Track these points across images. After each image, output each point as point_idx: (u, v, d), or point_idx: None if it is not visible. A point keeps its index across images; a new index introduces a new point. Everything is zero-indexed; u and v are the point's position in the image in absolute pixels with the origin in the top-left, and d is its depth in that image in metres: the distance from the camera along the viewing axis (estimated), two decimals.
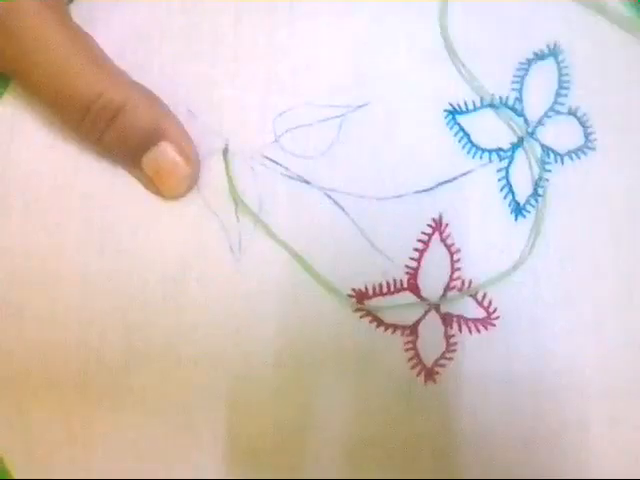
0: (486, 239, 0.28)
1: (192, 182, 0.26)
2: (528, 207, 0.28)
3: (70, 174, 0.26)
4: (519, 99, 0.29)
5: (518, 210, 0.28)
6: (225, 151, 0.26)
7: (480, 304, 0.28)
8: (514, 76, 0.29)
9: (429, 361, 0.27)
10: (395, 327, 0.27)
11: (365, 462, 0.27)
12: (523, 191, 0.28)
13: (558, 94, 0.29)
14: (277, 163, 0.26)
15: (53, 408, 0.25)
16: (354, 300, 0.27)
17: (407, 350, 0.27)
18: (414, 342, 0.27)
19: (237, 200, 0.26)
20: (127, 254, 0.26)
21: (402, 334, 0.27)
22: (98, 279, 0.26)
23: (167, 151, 0.25)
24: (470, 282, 0.27)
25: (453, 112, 0.28)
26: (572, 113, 0.29)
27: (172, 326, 0.26)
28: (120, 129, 0.24)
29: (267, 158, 0.26)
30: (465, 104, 0.28)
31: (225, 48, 0.27)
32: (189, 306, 0.26)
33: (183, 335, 0.26)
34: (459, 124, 0.28)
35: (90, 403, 0.25)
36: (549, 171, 0.28)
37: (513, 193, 0.28)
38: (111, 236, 0.26)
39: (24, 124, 0.26)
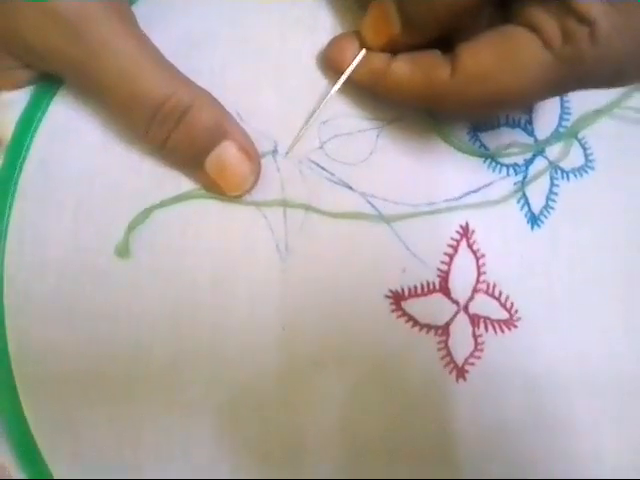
0: (507, 245, 0.30)
1: (255, 179, 0.26)
2: (542, 218, 0.31)
3: (120, 173, 0.26)
4: (529, 122, 0.32)
5: (534, 220, 0.31)
6: (274, 153, 0.27)
7: (503, 306, 0.29)
8: None
9: (460, 360, 0.29)
10: (429, 327, 0.28)
11: (400, 456, 0.28)
12: (537, 203, 0.31)
13: (561, 118, 0.32)
14: (323, 168, 0.28)
15: (101, 408, 0.25)
16: (391, 300, 0.28)
17: (440, 349, 0.28)
18: (446, 341, 0.28)
19: (286, 200, 0.27)
20: (176, 253, 0.26)
21: (435, 334, 0.28)
22: (147, 276, 0.26)
23: (230, 150, 0.25)
24: (494, 285, 0.29)
25: (475, 129, 0.31)
26: (574, 136, 0.32)
27: (220, 325, 0.26)
28: (187, 128, 0.25)
29: (314, 162, 0.28)
30: (485, 123, 0.31)
31: (270, 58, 0.28)
32: (236, 305, 0.26)
33: (230, 334, 0.26)
34: (480, 140, 0.30)
35: (138, 403, 0.25)
36: (557, 186, 0.31)
37: (529, 204, 0.31)
38: (160, 234, 0.26)
39: (77, 124, 0.26)
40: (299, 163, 0.27)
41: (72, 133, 0.26)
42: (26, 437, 0.24)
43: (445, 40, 0.25)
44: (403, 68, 0.25)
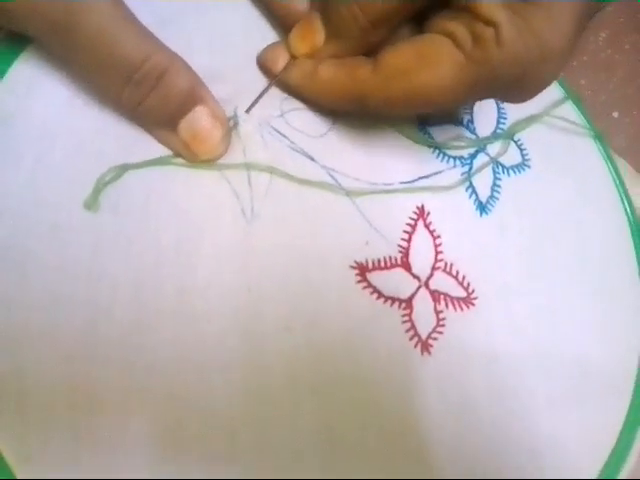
0: (460, 229, 0.31)
1: (226, 145, 0.26)
2: (489, 206, 0.32)
3: (85, 134, 0.25)
4: (471, 121, 0.34)
5: (482, 208, 0.32)
6: (235, 117, 0.27)
7: (461, 284, 0.30)
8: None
9: (424, 334, 0.28)
10: (393, 299, 0.28)
11: (367, 425, 0.26)
12: (484, 193, 0.32)
13: (498, 121, 0.35)
14: (284, 135, 0.28)
15: (53, 365, 0.22)
16: (357, 271, 0.28)
17: (404, 322, 0.28)
18: (410, 315, 0.28)
19: (250, 164, 0.27)
20: (140, 216, 0.25)
21: (399, 307, 0.28)
22: (110, 237, 0.24)
23: (204, 115, 0.25)
24: (451, 265, 0.30)
25: (424, 123, 0.32)
26: (510, 137, 0.35)
27: (185, 285, 0.25)
28: (163, 91, 0.24)
29: (274, 129, 0.28)
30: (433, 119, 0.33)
31: (235, 47, 0.29)
32: (202, 267, 0.25)
33: (196, 292, 0.25)
34: (429, 133, 0.32)
35: (97, 364, 0.23)
36: (500, 179, 0.33)
37: (476, 194, 0.32)
38: (124, 197, 0.25)
39: (41, 83, 0.25)
40: (259, 126, 0.28)
41: (35, 91, 0.25)
42: None
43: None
44: (329, 69, 0.27)
